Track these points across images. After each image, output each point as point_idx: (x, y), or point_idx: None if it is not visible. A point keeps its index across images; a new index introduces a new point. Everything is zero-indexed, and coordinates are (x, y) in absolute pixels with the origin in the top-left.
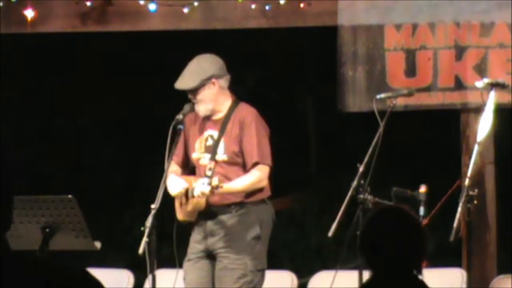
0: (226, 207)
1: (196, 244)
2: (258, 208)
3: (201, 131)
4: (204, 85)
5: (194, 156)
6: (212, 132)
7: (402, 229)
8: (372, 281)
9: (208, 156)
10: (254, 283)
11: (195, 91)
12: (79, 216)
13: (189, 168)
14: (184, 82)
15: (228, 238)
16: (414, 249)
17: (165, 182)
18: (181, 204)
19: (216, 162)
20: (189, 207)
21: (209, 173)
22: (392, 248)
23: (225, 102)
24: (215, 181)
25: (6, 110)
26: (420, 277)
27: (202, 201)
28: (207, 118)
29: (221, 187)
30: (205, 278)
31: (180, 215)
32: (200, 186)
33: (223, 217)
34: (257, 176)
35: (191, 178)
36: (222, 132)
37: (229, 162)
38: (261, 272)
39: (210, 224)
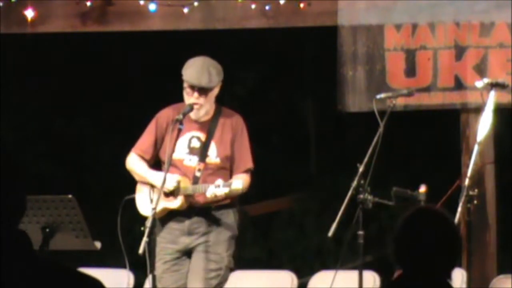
0: (206, 208)
1: (170, 244)
2: (234, 210)
3: (182, 131)
4: (216, 85)
5: (174, 156)
6: (196, 134)
7: (442, 235)
8: (402, 280)
9: (195, 157)
10: (224, 279)
11: (209, 90)
12: (79, 216)
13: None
14: (206, 79)
15: (208, 236)
16: (450, 256)
17: (164, 183)
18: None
19: (206, 164)
20: (176, 205)
21: (198, 174)
22: (430, 253)
23: (213, 105)
24: (237, 185)
25: (6, 110)
26: (449, 281)
27: (189, 200)
28: (187, 119)
29: (238, 190)
30: (183, 280)
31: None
32: (213, 189)
33: (203, 217)
34: (249, 182)
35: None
36: (211, 135)
37: (220, 166)
38: (230, 271)
39: (188, 223)
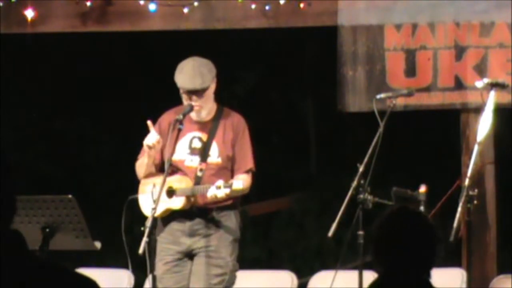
0: (208, 209)
1: (171, 245)
2: (235, 212)
3: (183, 132)
4: (210, 84)
5: (175, 157)
6: (197, 134)
7: (417, 234)
8: (381, 281)
9: (196, 158)
10: (229, 283)
11: (204, 91)
12: (79, 216)
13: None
14: (197, 82)
15: (209, 239)
16: (426, 254)
17: (164, 183)
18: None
19: (207, 164)
20: (178, 206)
21: (200, 174)
22: (405, 252)
23: (214, 104)
24: (238, 185)
25: (6, 110)
26: (429, 280)
27: (190, 201)
28: (188, 119)
29: (239, 190)
30: (184, 281)
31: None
32: (214, 190)
33: (205, 218)
34: (250, 182)
35: (174, 178)
36: (212, 135)
37: (222, 166)
38: (235, 274)
39: (190, 224)
